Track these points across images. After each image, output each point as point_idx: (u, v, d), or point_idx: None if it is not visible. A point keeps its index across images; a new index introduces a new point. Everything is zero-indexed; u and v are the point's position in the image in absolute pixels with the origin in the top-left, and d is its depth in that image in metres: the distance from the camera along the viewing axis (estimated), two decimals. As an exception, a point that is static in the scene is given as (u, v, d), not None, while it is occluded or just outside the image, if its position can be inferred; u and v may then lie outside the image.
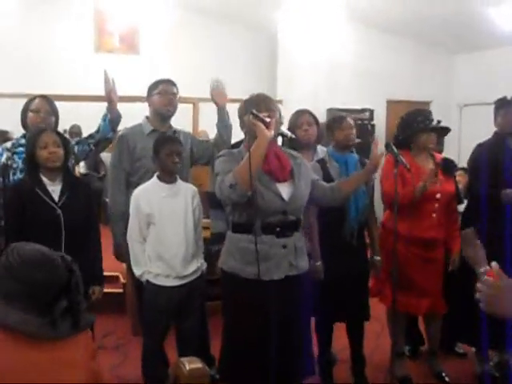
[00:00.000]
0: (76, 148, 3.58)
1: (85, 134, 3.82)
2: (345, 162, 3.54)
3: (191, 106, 6.19)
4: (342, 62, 8.71)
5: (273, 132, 2.68)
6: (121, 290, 4.99)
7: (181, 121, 3.94)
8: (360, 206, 3.50)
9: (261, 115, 2.65)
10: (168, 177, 3.33)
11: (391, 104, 9.32)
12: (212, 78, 3.80)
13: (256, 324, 2.71)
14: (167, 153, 3.27)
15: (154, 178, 3.35)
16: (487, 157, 3.72)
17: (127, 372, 3.82)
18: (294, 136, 3.09)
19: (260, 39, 9.85)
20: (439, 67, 9.42)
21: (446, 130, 3.77)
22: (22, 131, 3.60)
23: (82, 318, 1.83)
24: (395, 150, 3.26)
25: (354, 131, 3.60)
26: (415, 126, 3.63)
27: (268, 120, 2.65)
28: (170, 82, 3.75)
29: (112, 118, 3.61)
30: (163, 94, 3.68)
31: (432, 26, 8.38)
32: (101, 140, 3.64)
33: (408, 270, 3.56)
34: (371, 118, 8.94)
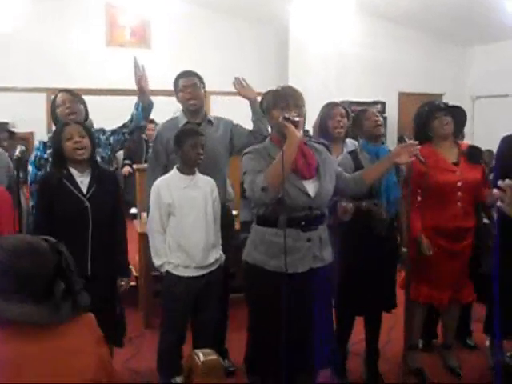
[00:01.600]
0: (112, 138, 3.62)
1: (96, 128, 3.83)
2: (376, 153, 3.52)
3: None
4: (353, 55, 8.69)
5: (302, 131, 2.70)
6: (133, 283, 5.00)
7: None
8: (391, 198, 3.48)
9: (291, 117, 2.66)
10: (189, 169, 3.36)
11: (403, 96, 9.28)
12: (235, 77, 3.79)
13: (280, 316, 2.71)
14: (192, 144, 3.30)
15: (174, 170, 3.39)
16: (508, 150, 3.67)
17: (140, 365, 3.84)
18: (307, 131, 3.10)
19: (271, 32, 9.83)
20: (451, 59, 9.37)
21: (459, 112, 3.69)
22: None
23: (79, 297, 1.82)
24: (408, 142, 3.24)
25: (381, 119, 3.60)
26: (424, 114, 3.62)
27: (297, 119, 2.66)
28: (188, 74, 3.76)
29: (144, 106, 3.63)
30: (184, 90, 3.69)
31: (444, 18, 8.32)
32: (134, 129, 3.67)
33: (433, 263, 3.54)
34: (383, 110, 8.92)
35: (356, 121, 3.65)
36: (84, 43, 9.44)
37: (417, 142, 3.03)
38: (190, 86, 3.70)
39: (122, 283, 3.25)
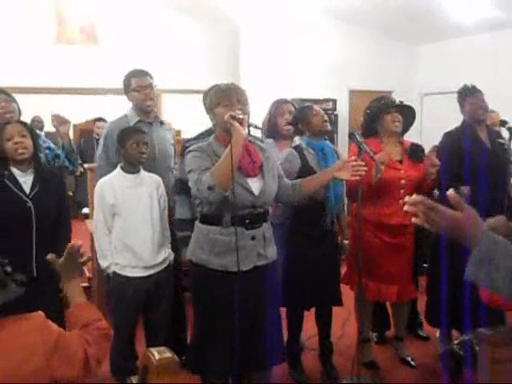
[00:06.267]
0: (44, 153, 3.54)
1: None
2: (321, 149, 3.56)
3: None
4: (304, 52, 8.74)
5: (246, 129, 2.69)
6: (86, 284, 4.94)
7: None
8: (338, 193, 3.55)
9: (237, 115, 2.63)
10: (132, 167, 3.32)
11: (354, 94, 9.38)
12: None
13: (225, 314, 2.73)
14: (134, 143, 3.27)
15: (118, 169, 3.34)
16: (456, 146, 3.74)
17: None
18: (260, 127, 3.09)
19: (223, 30, 9.79)
20: (400, 57, 9.52)
21: (410, 112, 3.75)
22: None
23: (15, 275, 1.75)
24: (358, 138, 3.28)
25: (326, 117, 3.65)
26: (377, 108, 3.66)
27: (242, 117, 2.63)
28: (142, 73, 3.71)
29: (63, 149, 3.63)
30: (139, 90, 3.64)
31: (393, 17, 8.46)
32: (63, 166, 3.66)
33: (376, 257, 3.58)
34: (334, 107, 8.99)
35: (302, 117, 3.63)
36: (33, 41, 9.22)
37: (363, 163, 2.95)
38: (146, 87, 3.66)
39: None
